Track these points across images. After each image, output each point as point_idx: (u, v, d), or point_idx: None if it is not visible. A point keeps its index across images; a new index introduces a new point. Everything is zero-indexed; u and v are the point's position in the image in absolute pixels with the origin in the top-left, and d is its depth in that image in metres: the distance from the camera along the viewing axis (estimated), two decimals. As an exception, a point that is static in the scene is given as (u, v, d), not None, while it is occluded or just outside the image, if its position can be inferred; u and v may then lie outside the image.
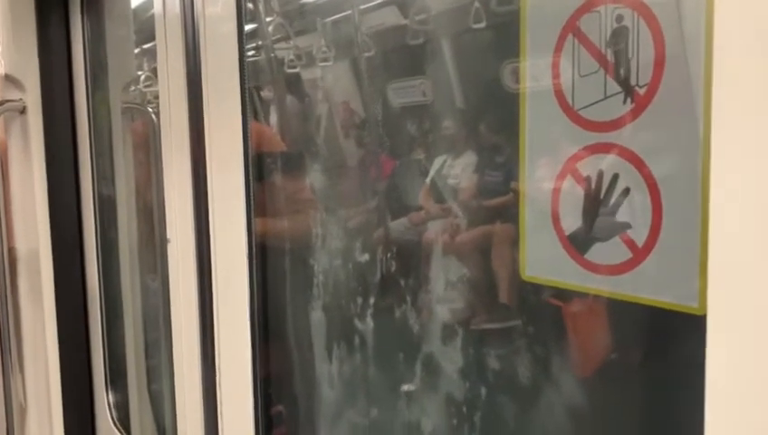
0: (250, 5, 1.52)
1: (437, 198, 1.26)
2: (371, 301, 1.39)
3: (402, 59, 1.36)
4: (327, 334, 1.53)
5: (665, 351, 0.89)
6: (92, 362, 2.39)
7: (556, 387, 1.04)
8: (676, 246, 0.80)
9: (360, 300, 1.41)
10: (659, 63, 0.79)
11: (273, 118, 1.72)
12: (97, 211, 2.29)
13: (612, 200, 0.86)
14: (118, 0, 2.25)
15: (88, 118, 2.24)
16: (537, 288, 1.02)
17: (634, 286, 0.85)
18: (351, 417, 1.52)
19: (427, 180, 1.27)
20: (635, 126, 0.82)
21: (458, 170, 1.22)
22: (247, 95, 1.43)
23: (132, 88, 2.30)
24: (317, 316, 1.54)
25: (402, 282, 1.32)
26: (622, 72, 0.83)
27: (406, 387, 1.32)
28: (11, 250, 2.33)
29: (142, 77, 2.23)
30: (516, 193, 1.01)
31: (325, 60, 1.52)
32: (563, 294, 0.97)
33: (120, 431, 2.32)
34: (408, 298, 1.29)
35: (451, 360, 1.22)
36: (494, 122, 1.17)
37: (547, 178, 0.93)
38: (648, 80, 0.80)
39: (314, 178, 1.59)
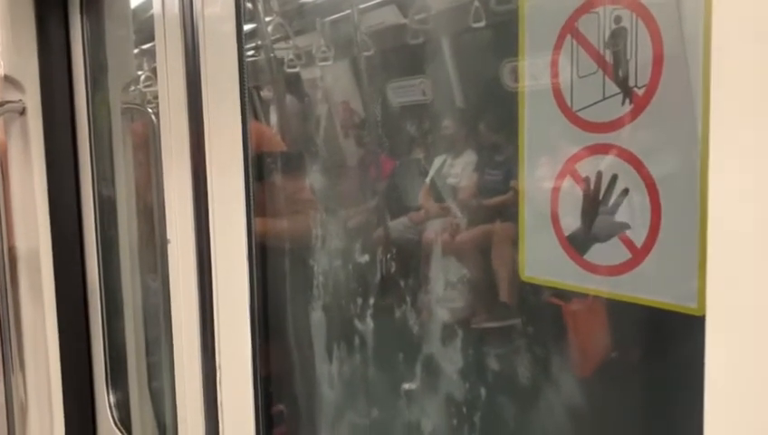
0: (249, 5, 1.52)
1: (437, 197, 1.26)
2: (371, 301, 1.39)
3: (402, 58, 1.36)
4: (327, 334, 1.54)
5: (664, 351, 0.89)
6: (93, 360, 2.40)
7: (555, 387, 1.04)
8: (675, 247, 0.80)
9: (359, 300, 1.41)
10: (658, 64, 0.79)
11: (273, 118, 1.72)
12: (97, 211, 2.29)
13: (611, 201, 0.86)
14: (117, 0, 2.25)
15: (88, 118, 2.24)
16: (537, 288, 1.02)
17: (633, 287, 0.85)
18: (351, 417, 1.52)
19: (427, 180, 1.27)
20: (633, 127, 0.83)
21: (458, 170, 1.22)
22: (247, 95, 1.43)
23: (132, 88, 2.30)
24: (317, 316, 1.54)
25: (402, 282, 1.32)
26: (621, 72, 0.83)
27: (407, 386, 1.32)
28: (11, 249, 2.33)
29: (142, 77, 2.23)
30: (515, 193, 1.01)
31: (325, 59, 1.52)
32: (563, 294, 0.98)
33: (121, 429, 2.32)
34: (408, 298, 1.29)
35: (451, 360, 1.22)
36: (494, 122, 1.17)
37: (546, 179, 0.93)
38: (647, 81, 0.80)
39: (314, 178, 1.59)
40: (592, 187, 0.88)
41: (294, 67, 1.61)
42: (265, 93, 1.68)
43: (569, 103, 0.89)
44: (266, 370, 1.54)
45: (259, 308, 1.49)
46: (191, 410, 1.65)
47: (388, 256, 1.35)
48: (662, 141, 0.82)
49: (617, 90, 0.83)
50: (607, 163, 0.86)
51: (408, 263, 1.33)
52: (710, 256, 0.62)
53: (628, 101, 0.82)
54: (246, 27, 1.46)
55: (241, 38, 1.41)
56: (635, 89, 0.82)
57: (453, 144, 1.25)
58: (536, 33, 0.94)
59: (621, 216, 0.86)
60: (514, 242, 1.01)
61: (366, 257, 1.40)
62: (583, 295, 0.94)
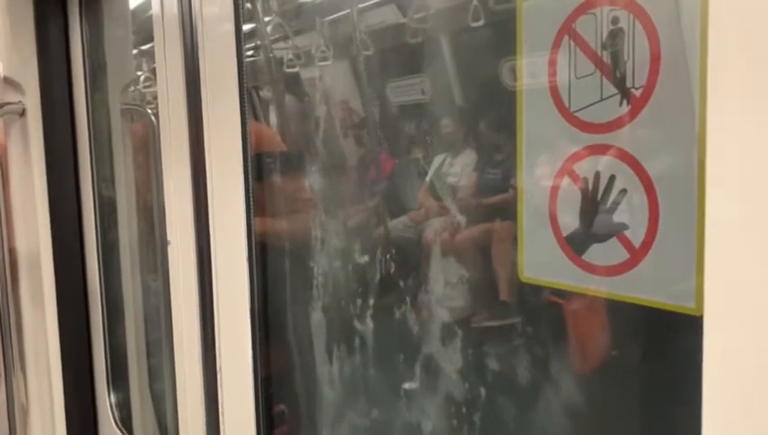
0: (248, 5, 1.52)
1: (437, 196, 1.26)
2: (371, 301, 1.39)
3: (401, 57, 1.36)
4: (327, 335, 1.54)
5: (662, 351, 0.89)
6: (94, 360, 2.40)
7: (554, 387, 1.04)
8: (673, 247, 0.80)
9: (359, 300, 1.41)
10: (655, 65, 0.79)
11: (273, 118, 1.72)
12: (97, 212, 2.29)
13: (609, 201, 0.86)
14: (116, 1, 2.25)
15: (87, 119, 2.24)
16: (536, 288, 1.02)
17: (631, 287, 0.85)
18: (352, 417, 1.52)
19: (427, 179, 1.27)
20: (631, 127, 0.83)
21: (458, 169, 1.22)
22: (246, 95, 1.43)
23: (131, 89, 2.30)
24: (317, 317, 1.54)
25: (401, 282, 1.32)
26: (618, 73, 0.83)
27: (407, 386, 1.32)
28: (12, 250, 2.33)
29: (141, 78, 2.23)
30: (514, 192, 1.01)
31: (324, 59, 1.52)
32: (563, 293, 0.98)
33: (122, 429, 2.33)
34: (408, 298, 1.29)
35: (450, 360, 1.22)
36: (493, 122, 1.17)
37: (544, 180, 0.94)
38: (644, 81, 0.81)
39: (314, 177, 1.59)
40: (590, 187, 0.88)
41: (294, 67, 1.61)
42: (265, 93, 1.68)
43: (566, 104, 0.89)
44: (266, 370, 1.54)
45: (259, 309, 1.49)
46: (192, 411, 1.65)
47: (388, 255, 1.35)
48: (660, 142, 0.82)
49: (614, 90, 0.83)
50: (605, 163, 0.86)
51: (408, 263, 1.33)
52: (708, 257, 0.63)
53: (625, 101, 0.82)
54: (245, 27, 1.46)
55: (240, 38, 1.41)
56: (632, 89, 0.82)
57: (452, 143, 1.25)
58: (533, 33, 0.94)
59: (619, 216, 0.86)
60: (514, 241, 1.01)
61: (366, 257, 1.40)
62: (583, 295, 0.94)
